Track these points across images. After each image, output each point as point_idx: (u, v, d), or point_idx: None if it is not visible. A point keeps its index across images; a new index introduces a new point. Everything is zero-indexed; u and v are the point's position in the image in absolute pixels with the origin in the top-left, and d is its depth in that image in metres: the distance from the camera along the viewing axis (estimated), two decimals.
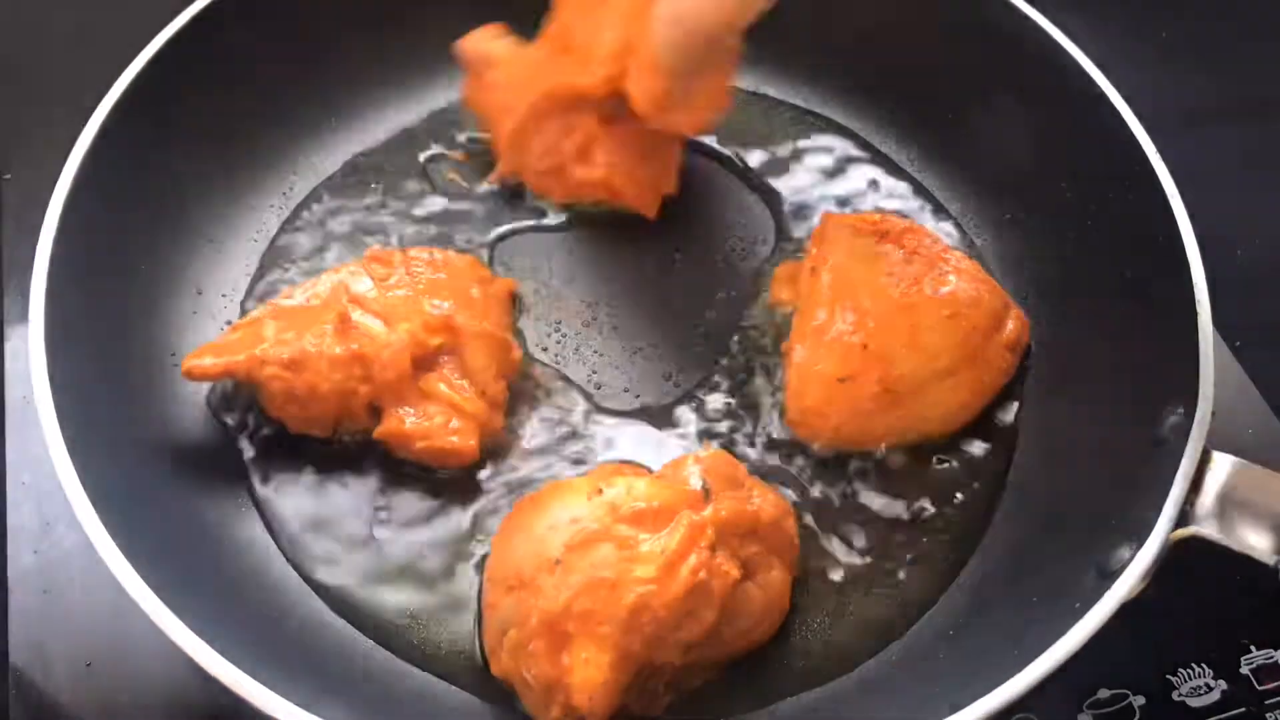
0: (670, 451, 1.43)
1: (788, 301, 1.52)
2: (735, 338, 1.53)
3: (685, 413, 1.47)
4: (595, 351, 1.52)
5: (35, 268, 1.28)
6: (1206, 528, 1.14)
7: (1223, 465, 1.17)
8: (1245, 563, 1.11)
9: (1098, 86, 1.45)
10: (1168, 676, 1.36)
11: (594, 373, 1.50)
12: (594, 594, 1.12)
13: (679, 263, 1.61)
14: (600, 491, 1.19)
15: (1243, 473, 1.16)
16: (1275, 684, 1.36)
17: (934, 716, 1.05)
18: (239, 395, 1.43)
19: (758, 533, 1.24)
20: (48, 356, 1.22)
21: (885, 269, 1.44)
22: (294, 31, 1.66)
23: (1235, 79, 1.98)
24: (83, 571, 1.37)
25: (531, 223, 1.64)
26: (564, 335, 1.54)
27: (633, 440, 1.45)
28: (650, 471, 1.33)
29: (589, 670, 1.12)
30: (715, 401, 1.48)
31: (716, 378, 1.50)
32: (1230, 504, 1.15)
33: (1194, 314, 1.26)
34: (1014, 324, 1.46)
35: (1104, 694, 1.34)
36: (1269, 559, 1.11)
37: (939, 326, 1.40)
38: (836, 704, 1.27)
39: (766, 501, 1.26)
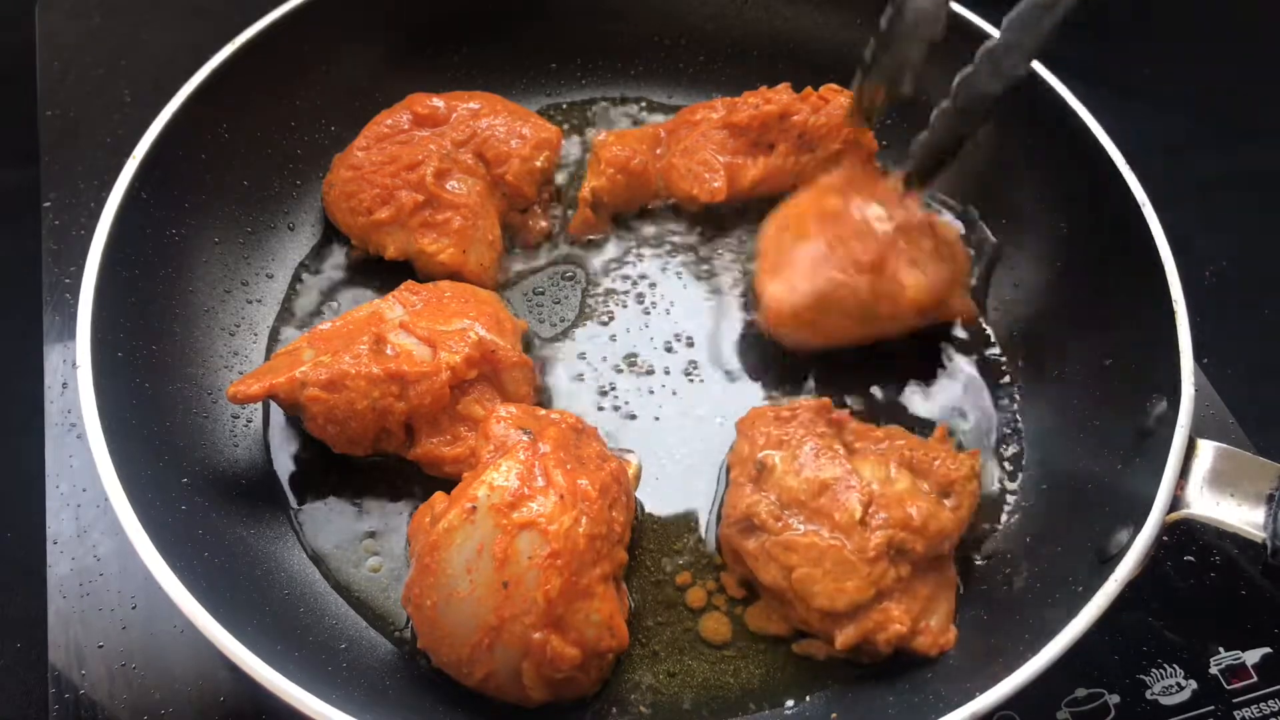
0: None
1: None
2: None
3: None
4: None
5: (80, 310, 1.32)
6: (1198, 509, 1.20)
7: (1208, 451, 1.23)
8: (1221, 567, 1.17)
9: (1081, 119, 1.52)
10: (1141, 676, 1.40)
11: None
12: (552, 572, 1.17)
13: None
14: (474, 509, 1.21)
15: (1228, 457, 1.23)
16: (1242, 683, 1.40)
17: (961, 695, 1.12)
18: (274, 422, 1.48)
19: (579, 435, 1.34)
20: (96, 394, 1.26)
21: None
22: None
23: (1211, 114, 2.06)
24: (118, 575, 1.39)
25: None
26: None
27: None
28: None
29: (596, 617, 1.21)
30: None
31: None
32: (1218, 487, 1.21)
33: (1173, 312, 1.33)
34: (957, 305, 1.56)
35: (1081, 693, 1.38)
36: (1258, 535, 1.17)
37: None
38: (845, 691, 1.31)
39: (563, 415, 1.37)
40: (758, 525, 1.30)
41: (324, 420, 1.37)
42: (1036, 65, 1.56)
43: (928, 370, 1.57)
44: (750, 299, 1.61)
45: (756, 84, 1.70)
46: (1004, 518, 1.43)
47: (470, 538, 1.20)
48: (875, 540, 1.25)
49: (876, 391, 1.55)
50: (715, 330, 1.60)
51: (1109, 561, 1.18)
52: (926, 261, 1.47)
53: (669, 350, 1.58)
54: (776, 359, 1.56)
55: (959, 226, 1.59)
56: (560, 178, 1.75)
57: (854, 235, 1.47)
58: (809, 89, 1.67)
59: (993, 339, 1.60)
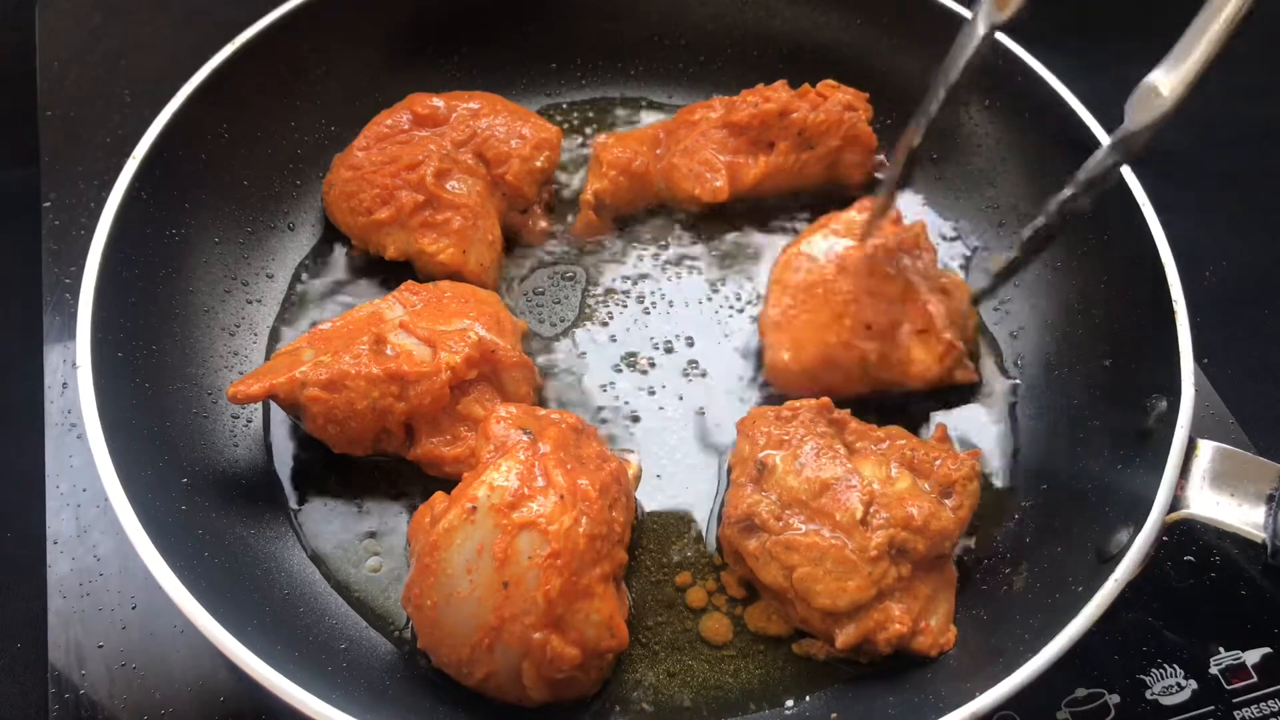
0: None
1: None
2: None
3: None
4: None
5: (80, 310, 1.32)
6: (1198, 509, 1.20)
7: (1208, 451, 1.23)
8: (1221, 567, 1.17)
9: (1080, 119, 1.53)
10: (1141, 676, 1.40)
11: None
12: (552, 572, 1.17)
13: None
14: (473, 509, 1.20)
15: (1227, 457, 1.23)
16: (1242, 683, 1.40)
17: (960, 695, 1.12)
18: (274, 422, 1.48)
19: (579, 435, 1.34)
20: (96, 394, 1.26)
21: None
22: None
23: (1211, 114, 2.01)
24: (118, 575, 1.39)
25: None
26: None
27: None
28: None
29: (596, 618, 1.20)
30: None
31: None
32: (1218, 487, 1.21)
33: (1172, 312, 1.33)
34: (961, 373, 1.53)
35: (1081, 693, 1.38)
36: (1258, 535, 1.17)
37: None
38: (845, 691, 1.31)
39: (563, 415, 1.36)
40: (758, 525, 1.30)
41: (324, 420, 1.36)
42: (1036, 65, 1.58)
43: None
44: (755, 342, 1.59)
45: (756, 84, 1.70)
46: (1004, 518, 1.43)
47: (470, 538, 1.19)
48: (876, 540, 1.25)
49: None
50: (715, 330, 1.60)
51: (1109, 561, 1.19)
52: (938, 328, 1.46)
53: (669, 350, 1.58)
54: None
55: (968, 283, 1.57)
56: (560, 178, 1.75)
57: (869, 294, 1.46)
58: (806, 85, 1.67)
59: (993, 339, 1.60)
